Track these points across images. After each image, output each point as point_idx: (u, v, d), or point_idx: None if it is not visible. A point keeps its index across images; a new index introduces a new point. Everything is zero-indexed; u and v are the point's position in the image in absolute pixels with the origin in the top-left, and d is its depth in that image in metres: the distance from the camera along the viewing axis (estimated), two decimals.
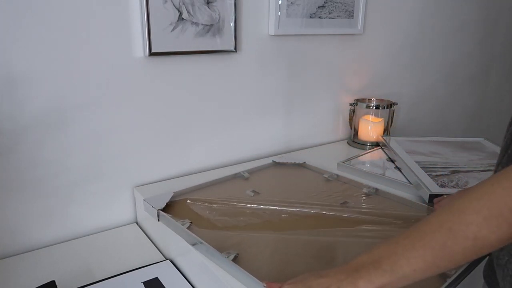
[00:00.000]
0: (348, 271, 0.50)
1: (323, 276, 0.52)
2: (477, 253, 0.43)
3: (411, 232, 0.48)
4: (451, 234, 0.44)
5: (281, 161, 1.13)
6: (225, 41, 1.03)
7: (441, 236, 0.44)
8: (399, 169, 1.08)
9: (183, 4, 0.94)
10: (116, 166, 0.96)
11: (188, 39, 0.97)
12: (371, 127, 1.32)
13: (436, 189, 0.90)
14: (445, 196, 0.85)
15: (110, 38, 0.88)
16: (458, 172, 1.01)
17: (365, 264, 0.49)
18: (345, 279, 0.49)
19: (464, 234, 0.43)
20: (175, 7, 0.93)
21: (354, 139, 1.36)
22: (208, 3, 0.98)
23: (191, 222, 0.79)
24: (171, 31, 0.94)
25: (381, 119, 1.34)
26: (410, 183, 0.98)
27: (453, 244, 0.44)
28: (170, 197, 0.88)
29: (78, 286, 0.74)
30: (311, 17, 1.18)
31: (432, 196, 0.88)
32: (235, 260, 0.67)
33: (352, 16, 1.27)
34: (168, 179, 1.04)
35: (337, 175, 1.04)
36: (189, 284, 0.75)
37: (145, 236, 0.94)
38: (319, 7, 1.18)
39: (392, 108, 1.35)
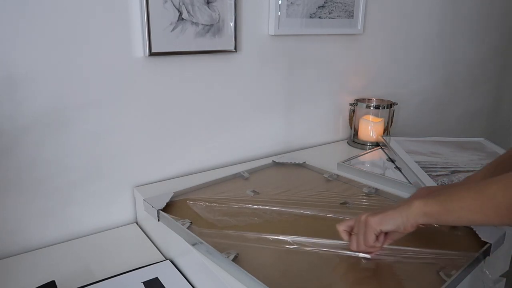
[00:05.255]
0: (407, 201, 0.61)
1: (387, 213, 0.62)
2: None
3: (469, 185, 0.56)
4: (505, 188, 0.50)
5: (281, 161, 1.13)
6: (225, 41, 1.03)
7: (495, 188, 0.51)
8: (399, 169, 1.08)
9: (183, 4, 0.94)
10: (116, 166, 0.96)
11: (188, 39, 0.97)
12: (371, 127, 1.32)
13: None
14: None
15: (110, 38, 0.88)
16: (458, 172, 1.01)
17: (424, 196, 0.60)
18: (404, 205, 0.60)
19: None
20: (175, 7, 0.93)
21: (354, 139, 1.36)
22: (208, 3, 0.98)
23: (191, 222, 0.79)
24: (171, 31, 0.94)
25: (381, 119, 1.33)
26: (410, 183, 0.98)
27: (503, 197, 0.50)
28: (170, 197, 0.88)
29: (78, 286, 0.74)
30: (311, 17, 1.18)
31: None
32: (235, 260, 0.67)
33: (352, 16, 1.27)
34: (168, 179, 1.04)
35: (337, 175, 1.04)
36: (189, 284, 0.75)
37: (145, 236, 0.94)
38: (319, 7, 1.18)
39: (392, 108, 1.35)
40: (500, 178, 0.52)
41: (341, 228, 0.68)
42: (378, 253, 0.67)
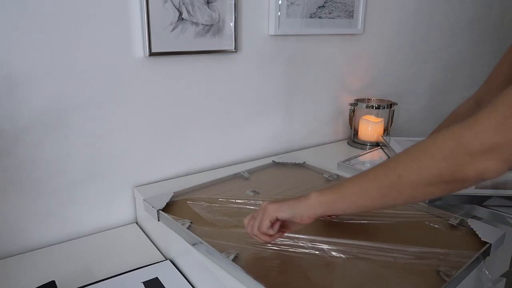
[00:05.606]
0: (304, 195, 0.62)
1: (285, 201, 0.64)
2: (400, 190, 0.51)
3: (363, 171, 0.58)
4: (383, 169, 0.54)
5: (281, 161, 1.13)
6: (225, 41, 1.03)
7: (377, 170, 0.54)
8: None
9: (183, 4, 0.94)
10: (116, 166, 0.96)
11: (188, 39, 0.97)
12: (371, 127, 1.32)
13: None
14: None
15: (110, 38, 0.88)
16: None
17: (318, 190, 0.61)
18: (301, 197, 0.62)
19: (392, 169, 0.52)
20: (175, 7, 0.93)
21: (354, 139, 1.36)
22: (208, 3, 0.98)
23: (191, 222, 0.79)
24: (171, 31, 0.94)
25: (381, 119, 1.33)
26: None
27: (384, 176, 0.53)
28: (170, 197, 0.88)
29: (78, 286, 0.74)
30: (311, 17, 1.18)
31: None
32: (235, 260, 0.67)
33: (352, 16, 1.27)
34: (168, 179, 1.04)
35: (337, 175, 1.04)
36: (189, 284, 0.75)
37: (145, 236, 0.94)
38: (319, 7, 1.18)
39: (392, 108, 1.35)
40: (385, 161, 0.56)
41: (247, 219, 0.69)
42: (272, 241, 0.68)
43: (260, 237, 0.65)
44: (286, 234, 0.75)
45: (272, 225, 0.63)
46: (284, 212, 0.62)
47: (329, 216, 0.78)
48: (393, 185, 0.51)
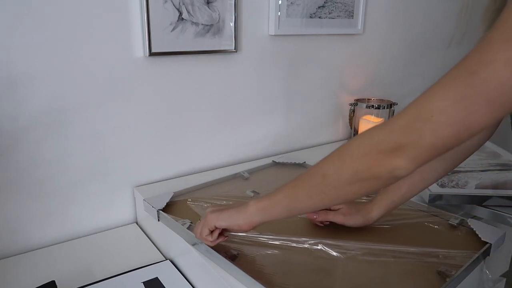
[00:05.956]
0: (243, 203, 0.63)
1: (226, 208, 0.65)
2: (325, 191, 0.53)
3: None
4: (309, 172, 0.56)
5: (281, 161, 1.13)
6: (225, 41, 1.03)
7: (305, 173, 0.56)
8: None
9: (183, 4, 0.94)
10: (116, 166, 0.96)
11: (188, 39, 0.97)
12: (371, 127, 1.32)
13: (436, 189, 0.90)
14: None
15: (110, 38, 0.88)
16: (458, 172, 1.01)
17: (255, 199, 0.62)
18: (240, 205, 0.63)
19: (317, 170, 0.54)
20: (175, 7, 0.93)
21: None
22: (208, 3, 0.98)
23: (191, 222, 0.79)
24: (171, 31, 0.94)
25: (381, 119, 1.33)
26: None
27: (309, 178, 0.55)
28: (170, 197, 0.88)
29: (78, 286, 0.74)
30: (311, 17, 1.18)
31: (433, 196, 0.88)
32: (235, 260, 0.67)
33: (352, 16, 1.27)
34: (168, 179, 1.04)
35: None
36: (189, 284, 0.75)
37: (145, 236, 0.94)
38: (319, 7, 1.18)
39: (392, 108, 1.35)
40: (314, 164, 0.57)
41: (198, 223, 0.71)
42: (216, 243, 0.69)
43: (204, 241, 0.69)
44: (286, 234, 0.75)
45: (211, 232, 0.66)
46: (222, 221, 0.65)
47: (320, 222, 0.78)
48: (318, 185, 0.54)
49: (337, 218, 0.76)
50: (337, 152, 0.53)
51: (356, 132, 1.36)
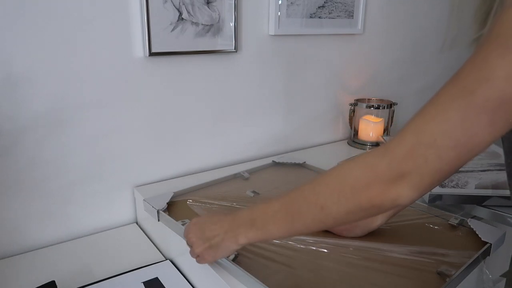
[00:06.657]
0: (232, 225, 0.60)
1: (214, 222, 0.63)
2: (323, 221, 0.52)
3: (282, 197, 0.56)
4: (305, 202, 0.52)
5: (281, 161, 1.13)
6: (225, 41, 1.03)
7: (298, 203, 0.53)
8: None
9: (183, 4, 0.94)
10: (116, 166, 0.96)
11: (188, 39, 0.97)
12: (371, 127, 1.32)
13: (436, 189, 0.90)
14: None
15: (110, 38, 0.88)
16: (458, 172, 1.01)
17: (245, 221, 0.59)
18: (229, 232, 0.60)
19: (314, 203, 0.51)
20: (175, 7, 0.93)
21: (354, 139, 1.36)
22: (208, 3, 0.98)
23: None
24: (171, 31, 0.94)
25: (381, 119, 1.33)
26: None
27: (306, 210, 0.52)
28: (170, 197, 0.88)
29: (78, 286, 0.74)
30: (311, 17, 1.18)
31: (433, 196, 0.87)
32: (235, 260, 0.67)
33: (352, 16, 1.27)
34: (168, 179, 1.04)
35: None
36: (189, 284, 0.75)
37: (145, 236, 0.94)
38: (319, 7, 1.18)
39: (392, 108, 1.35)
40: (303, 191, 0.55)
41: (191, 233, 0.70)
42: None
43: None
44: None
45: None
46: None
47: None
48: (316, 216, 0.52)
49: (335, 230, 0.75)
50: (335, 180, 0.51)
51: (356, 132, 1.36)
